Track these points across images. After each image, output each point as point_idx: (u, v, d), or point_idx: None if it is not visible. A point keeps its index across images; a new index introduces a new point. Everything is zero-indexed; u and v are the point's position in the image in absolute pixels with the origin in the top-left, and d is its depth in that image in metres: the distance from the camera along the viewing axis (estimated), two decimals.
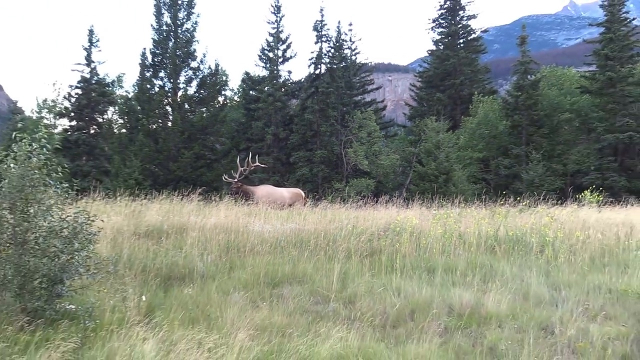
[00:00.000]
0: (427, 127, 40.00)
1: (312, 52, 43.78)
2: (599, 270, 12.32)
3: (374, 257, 13.08)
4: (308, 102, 42.51)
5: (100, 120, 43.22)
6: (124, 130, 47.84)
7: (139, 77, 45.82)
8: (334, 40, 44.67)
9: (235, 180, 24.64)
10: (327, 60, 43.82)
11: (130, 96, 49.79)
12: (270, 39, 44.78)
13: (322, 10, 44.14)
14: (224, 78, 53.71)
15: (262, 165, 27.98)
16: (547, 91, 43.51)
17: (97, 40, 41.56)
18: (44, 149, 8.35)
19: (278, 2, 44.64)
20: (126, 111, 47.15)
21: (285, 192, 25.54)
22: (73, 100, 41.35)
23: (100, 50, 43.21)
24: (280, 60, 45.03)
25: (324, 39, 43.87)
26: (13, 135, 8.42)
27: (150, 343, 7.06)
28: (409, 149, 42.38)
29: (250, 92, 47.22)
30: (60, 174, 8.60)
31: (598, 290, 10.63)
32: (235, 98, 56.63)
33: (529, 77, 43.11)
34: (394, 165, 40.21)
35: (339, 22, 53.99)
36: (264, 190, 24.93)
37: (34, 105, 71.03)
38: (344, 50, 46.65)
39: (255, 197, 23.54)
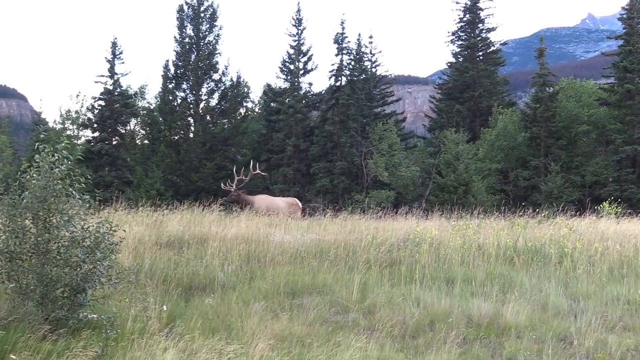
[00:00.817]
0: (447, 138, 39.91)
1: (333, 64, 43.45)
2: (617, 281, 12.27)
3: (393, 267, 13.12)
4: (328, 114, 42.38)
5: (123, 131, 43.30)
6: (146, 142, 47.84)
7: (161, 88, 45.91)
8: (355, 53, 44.57)
9: (234, 188, 24.95)
10: (348, 72, 43.61)
11: (152, 107, 49.80)
12: (292, 51, 44.81)
13: (342, 23, 43.99)
14: (246, 90, 53.65)
15: (262, 174, 28.30)
16: (565, 103, 43.14)
17: (120, 53, 41.69)
18: (66, 159, 8.46)
19: (299, 15, 44.76)
20: (148, 122, 47.17)
21: (282, 202, 25.73)
22: (96, 111, 41.53)
23: (123, 62, 43.61)
24: (301, 72, 45.05)
25: (344, 52, 43.70)
26: (36, 146, 8.53)
27: (171, 352, 7.14)
28: (429, 160, 42.19)
29: (271, 103, 47.16)
30: (82, 184, 8.71)
31: (617, 301, 10.61)
32: (257, 110, 56.60)
33: (547, 89, 42.71)
34: (414, 177, 40.10)
35: (360, 35, 53.59)
36: (261, 200, 25.17)
37: (57, 116, 71.45)
38: (364, 62, 46.73)
39: (254, 206, 23.71)
